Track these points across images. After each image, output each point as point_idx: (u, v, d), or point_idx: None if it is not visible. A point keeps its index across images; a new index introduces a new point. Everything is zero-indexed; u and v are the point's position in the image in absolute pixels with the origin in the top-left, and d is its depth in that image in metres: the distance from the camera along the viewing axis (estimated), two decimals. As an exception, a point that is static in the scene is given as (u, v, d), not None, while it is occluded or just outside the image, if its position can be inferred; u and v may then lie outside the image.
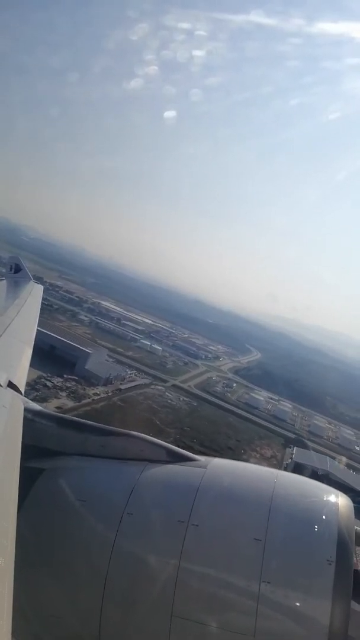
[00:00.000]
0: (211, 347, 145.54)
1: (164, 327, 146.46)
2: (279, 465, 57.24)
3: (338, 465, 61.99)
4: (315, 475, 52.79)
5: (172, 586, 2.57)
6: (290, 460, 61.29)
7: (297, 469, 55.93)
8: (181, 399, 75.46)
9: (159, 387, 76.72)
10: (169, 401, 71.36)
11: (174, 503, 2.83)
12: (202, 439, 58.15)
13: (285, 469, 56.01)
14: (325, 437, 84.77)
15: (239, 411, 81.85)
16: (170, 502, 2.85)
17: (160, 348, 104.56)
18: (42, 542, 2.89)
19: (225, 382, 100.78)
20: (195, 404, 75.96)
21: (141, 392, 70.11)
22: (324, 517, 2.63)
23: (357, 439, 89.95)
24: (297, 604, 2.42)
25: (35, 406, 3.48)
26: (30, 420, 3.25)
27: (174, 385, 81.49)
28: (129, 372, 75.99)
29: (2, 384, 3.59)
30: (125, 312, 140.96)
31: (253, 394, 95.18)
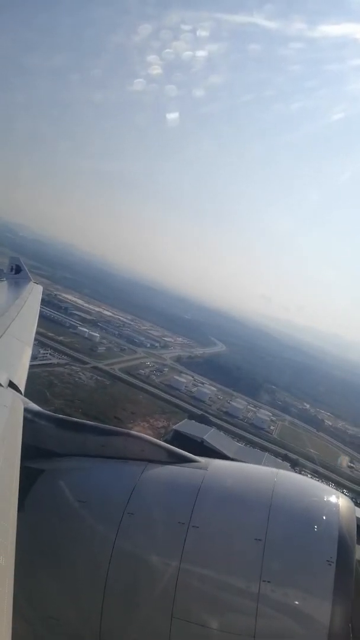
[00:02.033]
0: (167, 339, 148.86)
1: (123, 319, 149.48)
2: (160, 435, 62.80)
3: (217, 434, 67.05)
4: (190, 440, 58.80)
5: (173, 587, 2.57)
6: (171, 429, 66.89)
7: (175, 435, 61.45)
8: (94, 378, 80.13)
9: (74, 368, 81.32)
10: (76, 379, 76.03)
11: (175, 504, 2.84)
12: (89, 409, 62.72)
13: (165, 436, 62.01)
14: (240, 418, 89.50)
15: (156, 391, 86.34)
16: (171, 503, 2.86)
17: (98, 335, 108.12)
18: (42, 543, 2.91)
19: (157, 367, 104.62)
20: (107, 383, 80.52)
21: (49, 370, 74.58)
22: (324, 517, 2.62)
23: (272, 420, 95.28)
24: (298, 603, 2.41)
25: (35, 407, 3.51)
26: (30, 420, 3.27)
27: (94, 367, 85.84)
28: (41, 352, 78.91)
29: (2, 384, 3.61)
30: (84, 304, 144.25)
31: (179, 377, 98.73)
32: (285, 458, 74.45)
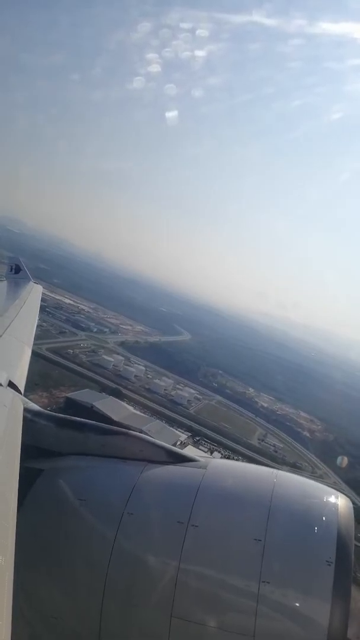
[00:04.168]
0: (124, 326, 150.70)
1: (83, 306, 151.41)
2: (57, 402, 66.45)
3: (111, 402, 70.54)
4: (80, 407, 62.25)
5: (172, 586, 2.60)
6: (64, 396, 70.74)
7: (67, 402, 65.26)
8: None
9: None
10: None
11: (174, 504, 2.88)
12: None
13: (59, 403, 66.07)
14: (160, 394, 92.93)
15: (78, 368, 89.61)
16: (171, 503, 2.91)
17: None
18: (42, 542, 2.93)
19: (93, 349, 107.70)
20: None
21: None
22: (323, 517, 2.65)
23: (196, 398, 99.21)
24: (297, 604, 2.43)
25: (35, 406, 3.53)
26: (30, 420, 3.29)
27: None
28: None
29: (2, 384, 3.62)
30: (45, 291, 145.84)
31: (108, 357, 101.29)
32: (189, 429, 78.43)
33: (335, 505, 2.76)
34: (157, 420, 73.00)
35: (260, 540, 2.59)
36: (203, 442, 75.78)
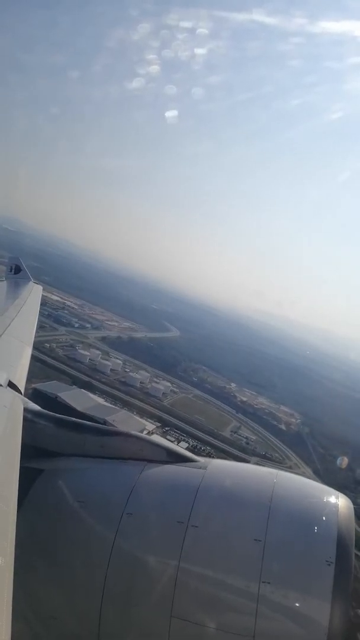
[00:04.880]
0: (110, 322, 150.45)
1: (68, 303, 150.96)
2: (27, 394, 67.55)
3: (77, 393, 70.45)
4: (46, 397, 62.11)
5: (172, 587, 2.60)
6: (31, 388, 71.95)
7: (34, 393, 63.93)
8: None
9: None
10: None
11: (174, 504, 2.89)
12: None
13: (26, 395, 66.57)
14: (136, 387, 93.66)
15: (52, 362, 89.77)
16: (170, 503, 2.91)
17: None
18: (41, 543, 2.93)
19: (71, 343, 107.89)
20: None
21: None
22: (323, 517, 2.65)
23: (172, 392, 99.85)
24: (297, 604, 2.44)
25: (35, 407, 3.56)
26: (30, 420, 3.29)
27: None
28: None
29: (2, 384, 3.63)
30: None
31: (84, 351, 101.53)
32: (159, 419, 78.80)
33: (335, 506, 2.77)
34: (124, 410, 73.39)
35: (260, 541, 2.59)
36: (172, 432, 76.37)
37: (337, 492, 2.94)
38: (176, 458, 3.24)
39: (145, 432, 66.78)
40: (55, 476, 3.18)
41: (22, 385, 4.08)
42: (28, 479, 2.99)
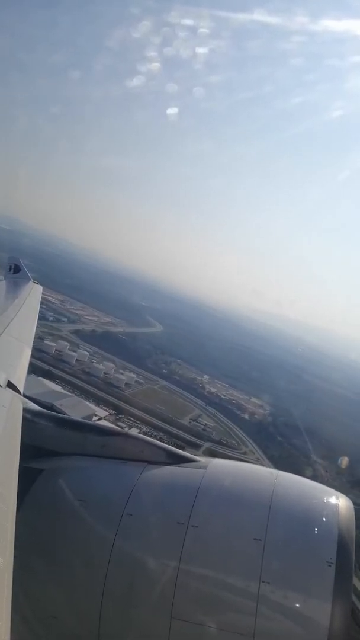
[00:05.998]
0: (89, 317, 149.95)
1: (50, 298, 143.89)
2: None
3: (33, 382, 73.38)
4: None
5: (172, 587, 2.60)
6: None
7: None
8: None
9: None
10: None
11: (174, 504, 2.90)
12: None
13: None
14: (99, 377, 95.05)
15: None
16: (170, 504, 2.93)
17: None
18: (41, 543, 2.94)
19: (41, 335, 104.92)
20: None
21: None
22: (324, 518, 2.66)
23: (137, 382, 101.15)
24: (297, 605, 2.44)
25: (35, 406, 3.57)
26: (30, 420, 3.29)
27: None
28: None
29: (1, 384, 3.62)
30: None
31: (51, 343, 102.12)
32: (115, 407, 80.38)
33: (336, 506, 2.78)
34: (73, 396, 74.82)
35: (260, 541, 2.60)
36: (125, 419, 77.77)
37: (337, 493, 2.96)
38: (176, 459, 3.27)
39: (95, 418, 68.24)
40: (55, 476, 3.19)
41: (21, 386, 4.10)
42: (28, 478, 3.01)
